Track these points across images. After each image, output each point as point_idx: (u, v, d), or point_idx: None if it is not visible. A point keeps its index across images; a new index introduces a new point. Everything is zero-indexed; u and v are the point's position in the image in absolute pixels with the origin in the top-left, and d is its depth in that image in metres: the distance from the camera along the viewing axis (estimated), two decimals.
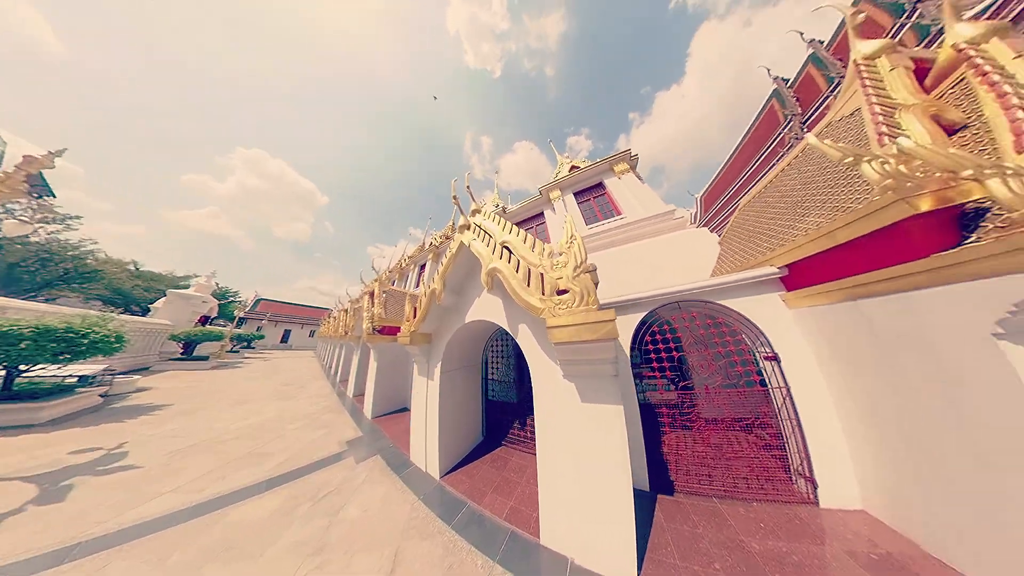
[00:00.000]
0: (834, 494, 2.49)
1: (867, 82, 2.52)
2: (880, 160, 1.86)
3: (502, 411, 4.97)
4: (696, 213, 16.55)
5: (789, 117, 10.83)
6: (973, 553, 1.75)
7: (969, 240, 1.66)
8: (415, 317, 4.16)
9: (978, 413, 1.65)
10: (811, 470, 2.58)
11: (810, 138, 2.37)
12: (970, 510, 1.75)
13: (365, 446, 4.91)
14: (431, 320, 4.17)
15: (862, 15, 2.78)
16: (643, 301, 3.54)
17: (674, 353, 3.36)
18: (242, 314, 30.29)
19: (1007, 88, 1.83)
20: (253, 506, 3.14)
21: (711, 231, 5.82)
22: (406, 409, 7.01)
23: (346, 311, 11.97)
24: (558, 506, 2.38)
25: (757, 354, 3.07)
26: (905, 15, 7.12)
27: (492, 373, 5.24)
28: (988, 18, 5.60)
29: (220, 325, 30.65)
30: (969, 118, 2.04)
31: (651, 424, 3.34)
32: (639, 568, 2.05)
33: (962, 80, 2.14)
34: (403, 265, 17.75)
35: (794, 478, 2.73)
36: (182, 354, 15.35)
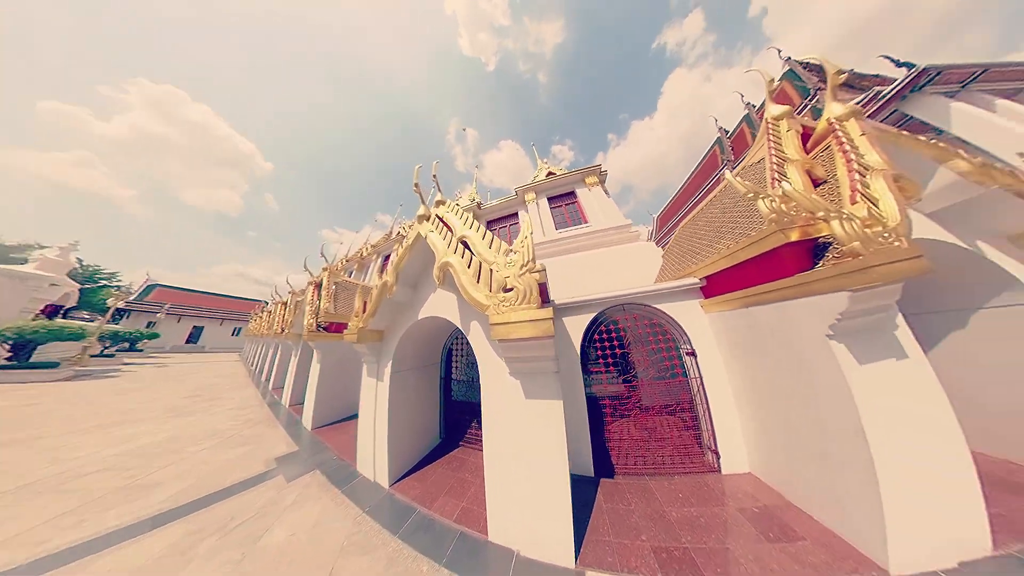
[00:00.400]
0: (731, 462, 3.12)
1: (771, 138, 3.21)
2: (770, 198, 2.38)
3: (462, 411, 4.90)
4: (652, 230, 19.13)
5: (724, 162, 13.14)
6: (817, 501, 2.37)
7: (818, 266, 2.24)
8: (365, 312, 3.81)
9: (819, 394, 2.25)
10: (716, 444, 3.18)
11: (727, 175, 2.91)
12: (814, 469, 2.37)
13: (301, 461, 4.32)
14: (383, 316, 3.88)
15: (776, 84, 3.52)
16: (594, 303, 3.87)
17: (617, 350, 3.76)
18: (123, 304, 23.05)
19: (852, 156, 2.53)
20: (132, 550, 2.50)
21: (664, 246, 6.65)
22: (355, 416, 6.38)
23: (285, 304, 10.29)
24: (504, 501, 2.48)
25: (681, 350, 3.64)
26: (809, 97, 9.23)
27: (456, 373, 5.11)
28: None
29: (83, 319, 23.21)
30: (829, 175, 2.75)
31: (596, 414, 3.69)
32: (578, 549, 2.25)
33: (828, 148, 2.87)
34: (364, 254, 15.91)
35: (705, 452, 3.33)
36: (9, 359, 11.07)
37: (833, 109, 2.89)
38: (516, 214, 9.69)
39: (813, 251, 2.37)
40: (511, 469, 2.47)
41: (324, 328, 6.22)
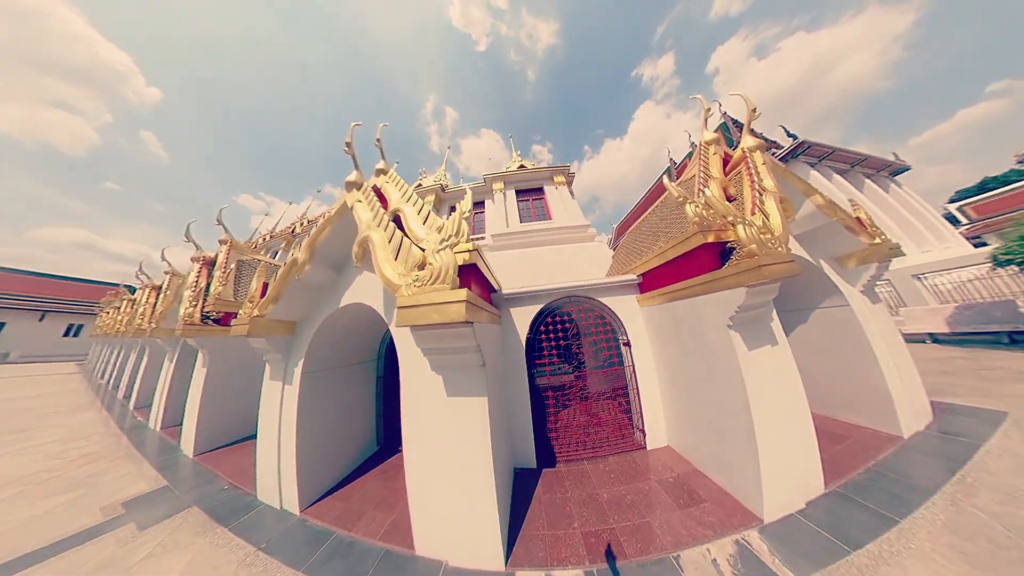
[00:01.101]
0: (654, 438, 3.49)
1: (701, 158, 3.66)
2: (695, 204, 2.66)
3: None
4: (611, 239, 21.39)
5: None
6: (715, 466, 2.76)
7: (724, 266, 2.59)
8: (264, 296, 3.03)
9: (719, 375, 2.61)
10: (644, 424, 3.51)
11: (665, 180, 3.17)
12: (713, 439, 2.76)
13: (168, 500, 3.30)
14: (293, 302, 3.16)
15: (711, 113, 3.99)
16: (542, 294, 3.87)
17: (562, 341, 3.85)
18: None
19: (755, 178, 3.02)
20: None
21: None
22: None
23: (158, 290, 7.75)
24: (429, 510, 2.28)
25: (619, 340, 3.92)
26: (733, 147, 11.34)
27: None
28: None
29: None
30: (738, 193, 3.23)
31: (540, 405, 3.71)
32: (511, 548, 2.19)
33: (739, 172, 3.37)
34: (296, 230, 13.01)
35: (635, 431, 3.65)
36: None
37: (747, 140, 3.39)
38: (482, 203, 9.37)
39: (721, 255, 2.75)
40: (435, 475, 2.26)
41: (215, 321, 4.85)
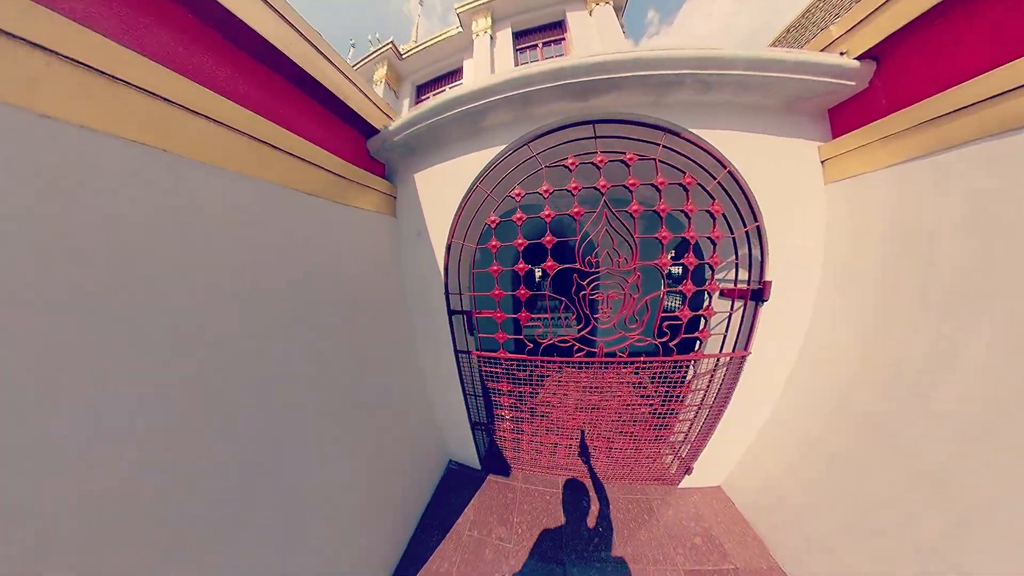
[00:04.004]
0: (703, 473, 1.85)
1: None
2: None
3: None
4: None
5: None
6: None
7: None
8: None
9: None
10: (695, 457, 1.72)
11: None
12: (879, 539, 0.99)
13: None
14: None
15: None
16: (490, 101, 1.16)
17: (550, 263, 1.42)
18: None
19: None
20: None
21: None
22: None
23: None
24: None
25: (738, 272, 1.45)
26: None
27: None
28: None
29: None
30: None
31: (491, 377, 1.95)
32: None
33: None
34: None
35: (670, 461, 1.94)
36: None
37: None
38: (459, 70, 4.77)
39: None
40: None
41: None
